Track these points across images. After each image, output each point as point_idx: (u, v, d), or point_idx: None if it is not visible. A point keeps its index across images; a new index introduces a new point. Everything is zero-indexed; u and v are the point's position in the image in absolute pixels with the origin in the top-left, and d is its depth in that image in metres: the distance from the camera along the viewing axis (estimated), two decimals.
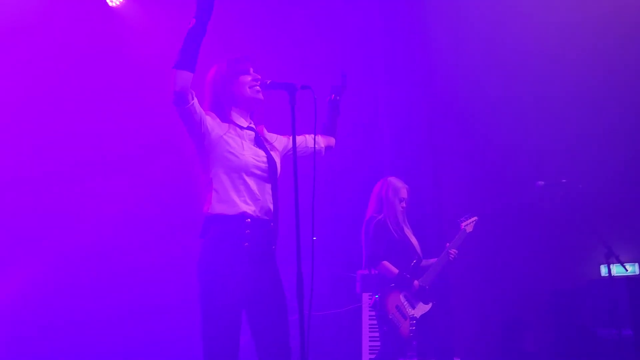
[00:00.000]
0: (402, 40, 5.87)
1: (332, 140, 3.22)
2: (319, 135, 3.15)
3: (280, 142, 2.99)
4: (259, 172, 2.75)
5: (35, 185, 5.16)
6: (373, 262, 4.33)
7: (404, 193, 4.45)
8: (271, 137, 2.97)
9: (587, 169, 5.28)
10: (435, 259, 4.44)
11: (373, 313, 4.75)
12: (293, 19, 5.70)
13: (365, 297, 5.00)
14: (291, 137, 2.85)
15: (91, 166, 5.31)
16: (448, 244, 4.46)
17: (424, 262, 4.45)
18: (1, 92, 5.10)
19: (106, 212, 5.33)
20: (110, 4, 5.42)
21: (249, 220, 2.69)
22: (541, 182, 4.54)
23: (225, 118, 2.78)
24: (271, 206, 2.77)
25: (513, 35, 5.55)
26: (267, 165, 2.78)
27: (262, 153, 2.79)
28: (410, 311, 4.27)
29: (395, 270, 4.29)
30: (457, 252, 4.44)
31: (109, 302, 5.16)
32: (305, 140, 3.08)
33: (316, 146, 3.03)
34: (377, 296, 4.34)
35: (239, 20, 5.58)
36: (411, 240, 4.43)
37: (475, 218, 4.57)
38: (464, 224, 4.53)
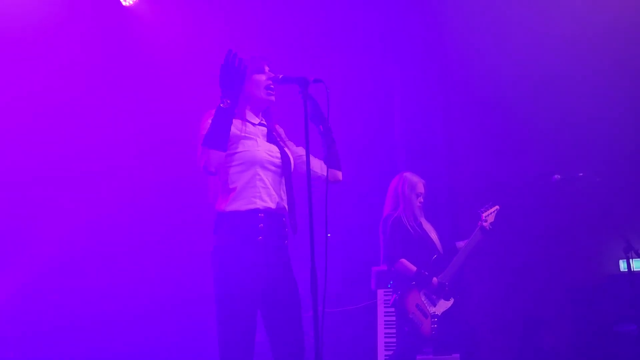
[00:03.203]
0: (417, 33, 5.81)
1: (336, 174, 2.94)
2: (323, 164, 2.92)
3: (291, 145, 2.97)
4: (273, 167, 2.76)
5: (42, 185, 5.19)
6: (391, 261, 4.30)
7: (420, 188, 4.40)
8: (286, 138, 2.98)
9: (604, 161, 5.20)
10: (466, 241, 4.36)
11: (389, 310, 4.72)
12: (305, 11, 5.67)
13: (381, 293, 4.97)
14: (299, 148, 2.91)
15: (101, 166, 5.33)
16: (471, 236, 4.36)
17: (458, 244, 4.40)
18: (14, 91, 5.14)
19: (117, 211, 5.35)
20: (124, 3, 5.44)
21: (262, 215, 2.69)
22: (557, 176, 4.48)
23: (240, 115, 2.79)
24: (285, 200, 2.78)
25: (531, 26, 5.47)
26: (280, 160, 2.79)
27: (275, 148, 2.80)
28: (432, 309, 4.22)
29: (414, 268, 4.25)
30: (491, 226, 4.31)
31: (118, 304, 5.18)
32: (312, 163, 2.88)
33: (318, 171, 2.89)
34: (397, 294, 4.30)
35: (251, 15, 5.57)
36: (430, 235, 4.37)
37: (496, 207, 4.43)
38: (485, 214, 4.41)
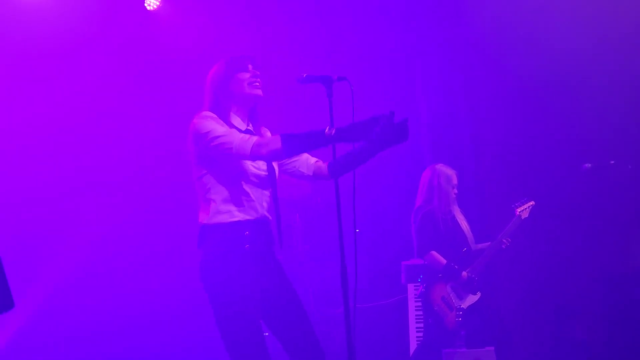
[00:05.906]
0: (441, 22, 5.73)
1: (327, 178, 2.80)
2: (310, 163, 2.80)
3: None
4: (257, 180, 2.72)
5: (50, 189, 5.23)
6: (422, 253, 4.31)
7: (455, 179, 4.41)
8: None
9: (636, 148, 5.09)
10: (488, 244, 4.35)
11: (419, 304, 4.73)
12: (324, 6, 5.64)
13: (411, 287, 4.97)
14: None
15: (125, 172, 5.34)
16: (501, 233, 4.34)
17: (475, 247, 4.38)
18: (37, 93, 5.21)
19: (132, 218, 5.35)
20: (148, 7, 5.51)
21: (245, 226, 2.66)
22: (588, 165, 4.42)
23: (225, 120, 2.72)
24: (269, 211, 2.76)
25: (559, 9, 5.37)
26: (266, 172, 2.75)
27: (260, 160, 2.72)
28: (457, 302, 4.22)
29: (444, 261, 4.25)
30: (510, 241, 4.32)
31: (135, 310, 5.17)
32: (299, 160, 2.81)
33: (307, 172, 2.81)
34: (424, 287, 4.31)
35: (274, 17, 5.59)
36: (462, 226, 4.37)
37: (531, 203, 4.38)
38: (519, 209, 4.35)
